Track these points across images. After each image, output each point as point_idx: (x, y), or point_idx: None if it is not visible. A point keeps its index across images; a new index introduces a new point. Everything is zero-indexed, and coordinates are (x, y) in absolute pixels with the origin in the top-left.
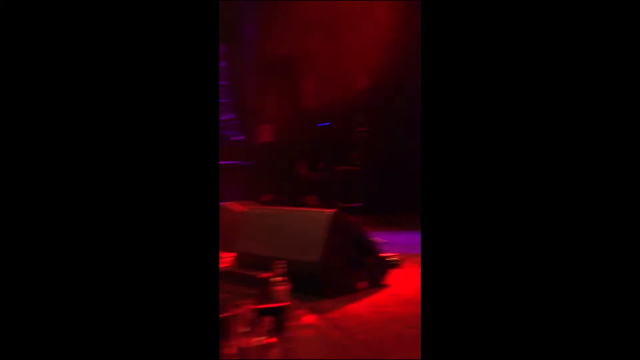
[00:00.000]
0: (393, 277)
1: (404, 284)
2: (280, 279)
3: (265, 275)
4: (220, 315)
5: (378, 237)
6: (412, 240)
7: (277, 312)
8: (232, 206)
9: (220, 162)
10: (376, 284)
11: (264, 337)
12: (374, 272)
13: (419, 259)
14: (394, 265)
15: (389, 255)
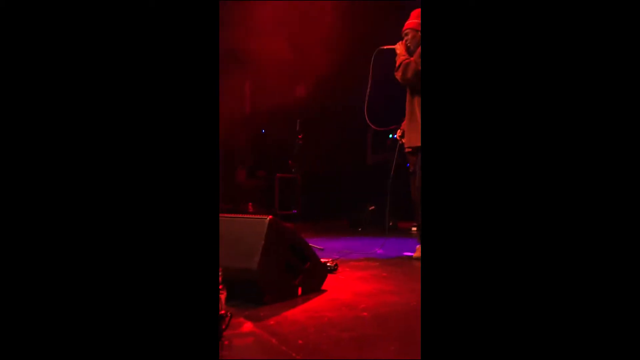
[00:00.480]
0: (329, 283)
1: (340, 289)
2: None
3: None
4: None
5: (314, 244)
6: (347, 246)
7: None
8: None
9: None
10: (313, 289)
11: None
12: (311, 278)
13: (353, 264)
14: (330, 270)
15: (326, 261)
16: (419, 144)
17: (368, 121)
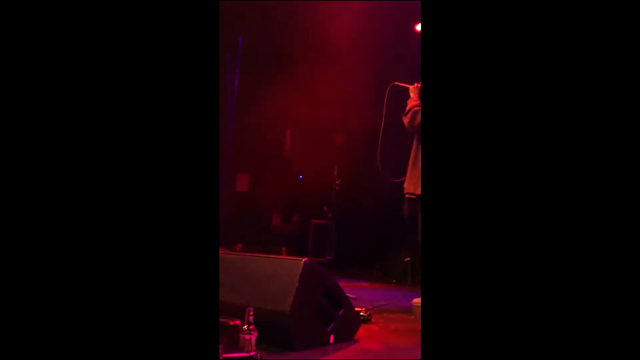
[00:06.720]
0: (362, 333)
1: (374, 340)
2: (248, 327)
3: (233, 322)
4: None
5: (346, 292)
6: (380, 296)
7: None
8: None
9: None
10: (346, 338)
11: None
12: (344, 326)
13: (387, 315)
14: (364, 320)
15: (359, 310)
16: (418, 192)
17: (380, 169)
